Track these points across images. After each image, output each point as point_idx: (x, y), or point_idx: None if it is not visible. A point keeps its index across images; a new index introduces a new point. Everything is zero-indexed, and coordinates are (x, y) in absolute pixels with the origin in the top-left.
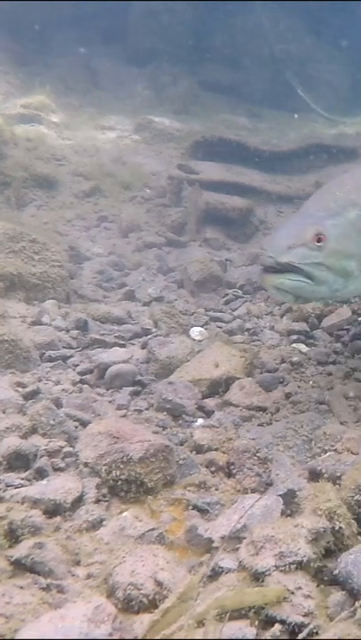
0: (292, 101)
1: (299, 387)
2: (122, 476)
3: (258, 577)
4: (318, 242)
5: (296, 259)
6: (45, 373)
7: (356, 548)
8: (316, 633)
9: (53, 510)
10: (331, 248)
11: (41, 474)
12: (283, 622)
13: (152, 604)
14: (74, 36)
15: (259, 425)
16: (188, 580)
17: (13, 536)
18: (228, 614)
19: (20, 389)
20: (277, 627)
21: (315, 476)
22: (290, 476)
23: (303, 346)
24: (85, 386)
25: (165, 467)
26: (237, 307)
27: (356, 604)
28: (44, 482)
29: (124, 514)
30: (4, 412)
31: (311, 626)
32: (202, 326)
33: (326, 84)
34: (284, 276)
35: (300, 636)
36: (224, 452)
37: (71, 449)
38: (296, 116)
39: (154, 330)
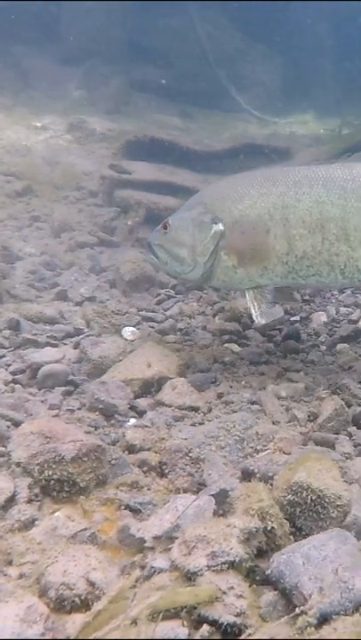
0: (225, 101)
1: (231, 386)
2: (54, 476)
3: (190, 577)
4: (165, 228)
5: (151, 239)
6: None
7: (289, 547)
8: (249, 633)
9: None
10: (170, 235)
11: None
12: (215, 622)
13: (84, 604)
14: (6, 35)
15: (191, 425)
16: (120, 583)
17: None
18: (160, 614)
19: None
20: (205, 627)
21: (247, 475)
22: (222, 475)
23: (236, 346)
24: (18, 385)
25: (98, 466)
26: (170, 306)
27: (297, 610)
28: None
29: (57, 514)
30: None
31: (250, 630)
32: (134, 326)
33: (259, 84)
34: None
35: (242, 637)
36: (156, 452)
37: (3, 449)
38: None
39: (86, 330)
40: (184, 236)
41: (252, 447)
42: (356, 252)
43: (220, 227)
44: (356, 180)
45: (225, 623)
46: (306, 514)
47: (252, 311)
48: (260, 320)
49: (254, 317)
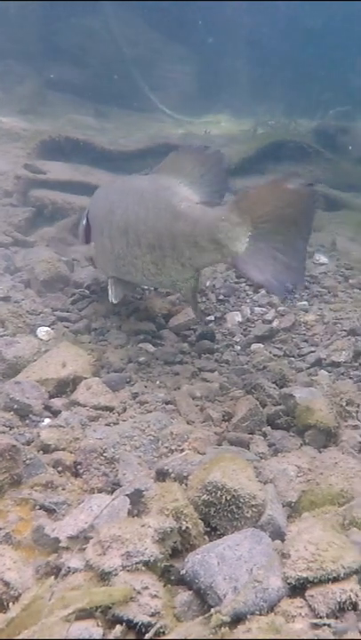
0: (140, 101)
1: (146, 386)
2: None
3: (105, 577)
4: None
5: None
6: None
7: (203, 547)
8: (163, 633)
9: None
10: None
11: None
12: (129, 622)
13: None
14: None
15: (106, 425)
16: (33, 591)
17: None
18: (74, 614)
19: None
20: (118, 628)
21: (162, 475)
22: (137, 475)
23: (150, 346)
24: None
25: (12, 466)
26: (84, 306)
27: (212, 610)
28: None
29: None
30: None
31: (158, 625)
32: (49, 326)
33: (174, 85)
34: None
35: (146, 636)
36: (71, 452)
37: None
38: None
39: (1, 330)
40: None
41: (166, 447)
42: (145, 257)
43: (84, 221)
44: (148, 189)
45: (139, 623)
46: (220, 514)
47: (109, 293)
48: (113, 300)
49: (110, 298)
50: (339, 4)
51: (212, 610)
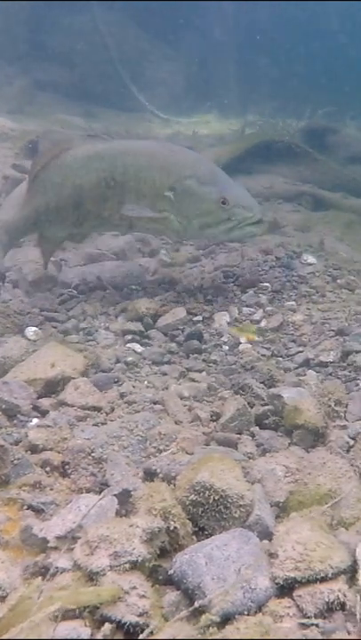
0: (129, 101)
1: (134, 386)
2: None
3: (93, 577)
4: None
5: None
6: None
7: (191, 547)
8: (152, 633)
9: None
10: None
11: None
12: (118, 622)
13: None
14: None
15: (94, 425)
16: (20, 591)
17: None
18: (62, 614)
19: None
20: (107, 626)
21: (150, 475)
22: (125, 475)
23: (138, 346)
24: None
25: (0, 466)
26: (72, 307)
27: (194, 603)
28: None
29: None
30: None
31: (151, 627)
32: (37, 326)
33: (162, 84)
34: None
35: (141, 636)
36: (59, 452)
37: None
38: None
39: None
40: None
41: (154, 447)
42: None
43: None
44: None
45: (128, 623)
46: (208, 514)
47: None
48: None
49: None
50: (331, 4)
51: (196, 603)
